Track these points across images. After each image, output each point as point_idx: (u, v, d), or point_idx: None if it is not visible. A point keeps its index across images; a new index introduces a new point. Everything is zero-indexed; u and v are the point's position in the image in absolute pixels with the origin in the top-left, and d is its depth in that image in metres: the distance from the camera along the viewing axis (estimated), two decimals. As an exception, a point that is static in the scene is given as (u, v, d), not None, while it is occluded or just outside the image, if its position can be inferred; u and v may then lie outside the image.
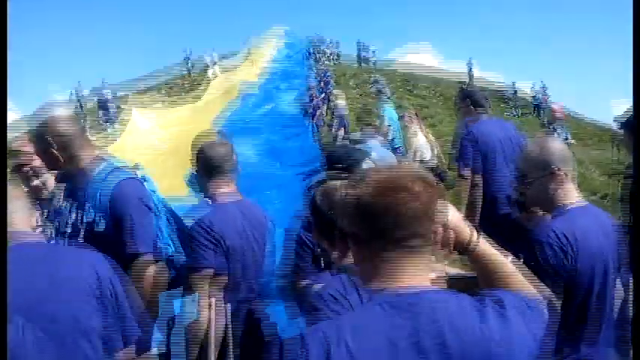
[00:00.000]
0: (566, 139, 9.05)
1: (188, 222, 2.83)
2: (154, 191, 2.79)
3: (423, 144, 6.18)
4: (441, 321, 1.13)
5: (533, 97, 26.19)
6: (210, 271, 2.70)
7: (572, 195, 2.26)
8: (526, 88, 29.04)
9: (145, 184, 2.67)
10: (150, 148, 10.62)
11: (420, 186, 1.23)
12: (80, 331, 1.76)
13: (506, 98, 30.45)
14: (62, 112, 2.46)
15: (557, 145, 2.33)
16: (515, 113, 26.54)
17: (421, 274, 1.24)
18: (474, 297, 1.23)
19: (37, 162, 2.76)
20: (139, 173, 2.68)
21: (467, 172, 4.58)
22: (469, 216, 4.78)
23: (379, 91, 8.79)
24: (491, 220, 4.56)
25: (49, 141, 2.39)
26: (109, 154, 2.70)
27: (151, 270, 2.49)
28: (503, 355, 1.12)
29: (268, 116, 12.55)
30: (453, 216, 1.37)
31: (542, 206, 2.38)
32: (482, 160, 4.56)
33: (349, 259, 1.56)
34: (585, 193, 7.53)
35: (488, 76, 38.62)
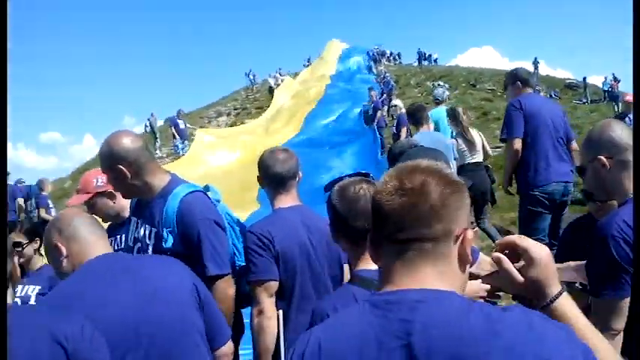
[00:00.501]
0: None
1: None
2: (218, 201, 2.78)
3: (462, 144, 6.48)
4: (415, 321, 1.03)
5: (603, 82, 25.26)
6: (273, 283, 2.59)
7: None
8: (598, 82, 28.06)
9: (209, 194, 2.65)
10: (214, 166, 11.15)
11: (431, 185, 1.12)
12: (191, 330, 1.94)
13: (574, 86, 29.49)
14: (131, 139, 2.45)
15: (615, 130, 2.10)
16: (584, 100, 25.67)
17: (434, 278, 1.11)
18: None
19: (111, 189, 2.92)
20: (210, 194, 2.68)
21: (508, 137, 4.79)
22: (505, 179, 5.03)
23: (435, 99, 9.01)
24: (528, 186, 4.75)
25: (120, 169, 2.40)
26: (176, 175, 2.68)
27: (232, 290, 2.51)
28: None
29: (330, 127, 12.85)
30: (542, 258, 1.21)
31: (597, 194, 2.24)
32: (525, 127, 4.74)
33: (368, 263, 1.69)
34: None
35: (557, 74, 37.47)
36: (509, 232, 7.61)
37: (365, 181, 1.92)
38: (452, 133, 7.54)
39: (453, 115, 6.67)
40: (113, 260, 1.94)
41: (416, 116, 6.02)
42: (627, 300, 1.89)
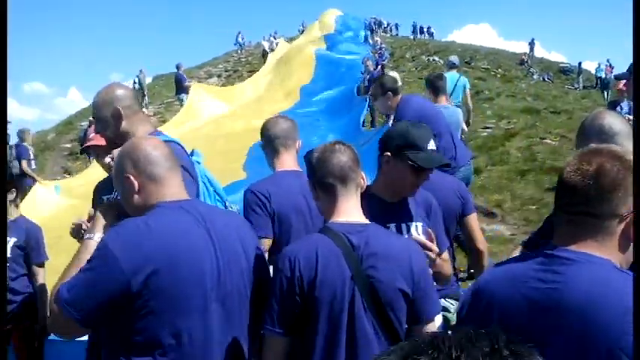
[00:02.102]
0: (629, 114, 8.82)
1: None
2: (198, 163, 2.81)
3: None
4: (565, 274, 1.28)
5: (597, 68, 25.25)
6: (268, 240, 2.65)
7: None
8: (591, 68, 28.04)
9: (192, 158, 2.68)
10: (209, 124, 11.12)
11: (605, 169, 1.25)
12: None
13: (568, 71, 29.46)
14: (119, 90, 2.55)
15: (605, 118, 2.11)
16: (577, 86, 25.68)
17: (592, 248, 1.28)
18: None
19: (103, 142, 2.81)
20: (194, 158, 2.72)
21: None
22: None
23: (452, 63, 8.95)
24: None
25: (107, 119, 2.49)
26: (162, 131, 2.71)
27: None
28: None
29: (324, 102, 12.82)
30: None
31: None
32: None
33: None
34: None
35: (551, 57, 37.36)
36: (492, 214, 7.62)
37: (340, 142, 2.03)
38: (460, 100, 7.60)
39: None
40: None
41: (435, 84, 5.84)
42: None
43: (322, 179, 1.93)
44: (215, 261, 1.81)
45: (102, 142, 2.78)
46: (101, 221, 2.00)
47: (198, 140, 9.38)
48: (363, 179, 2.02)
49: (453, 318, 2.92)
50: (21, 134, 10.42)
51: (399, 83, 10.78)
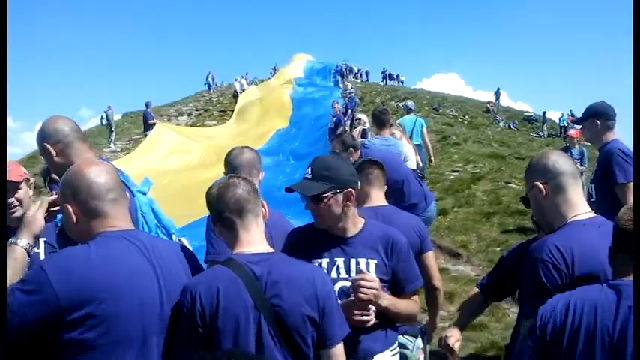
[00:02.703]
0: (580, 160, 9.11)
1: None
2: (144, 193, 2.77)
3: (409, 151, 6.57)
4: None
5: (560, 118, 26.10)
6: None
7: (576, 208, 2.09)
8: (555, 118, 29.03)
9: (140, 186, 2.73)
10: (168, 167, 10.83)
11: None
12: None
13: (533, 119, 30.34)
14: (60, 121, 2.59)
15: (549, 158, 2.16)
16: (541, 134, 26.40)
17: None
18: None
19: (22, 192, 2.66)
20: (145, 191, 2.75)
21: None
22: None
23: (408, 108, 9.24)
24: None
25: (48, 149, 2.53)
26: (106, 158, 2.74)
27: None
28: None
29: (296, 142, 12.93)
30: None
31: (542, 221, 2.24)
32: None
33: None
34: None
35: (517, 106, 38.60)
36: (458, 255, 7.59)
37: (236, 176, 2.10)
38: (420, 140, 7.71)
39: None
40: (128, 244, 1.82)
41: (380, 118, 5.93)
42: None
43: (220, 215, 1.96)
44: (158, 293, 1.77)
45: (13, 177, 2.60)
46: (30, 228, 1.93)
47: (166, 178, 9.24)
48: (265, 208, 2.08)
49: (411, 355, 2.84)
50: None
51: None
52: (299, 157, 11.98)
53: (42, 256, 2.30)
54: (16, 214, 2.46)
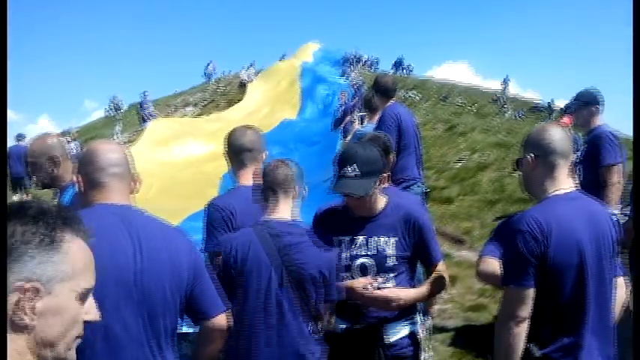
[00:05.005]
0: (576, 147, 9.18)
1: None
2: None
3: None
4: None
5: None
6: None
7: (558, 184, 2.19)
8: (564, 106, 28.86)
9: None
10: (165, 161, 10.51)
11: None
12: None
13: (540, 108, 30.24)
14: (51, 140, 2.97)
15: (548, 132, 2.22)
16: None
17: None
18: None
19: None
20: None
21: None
22: None
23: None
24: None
25: (42, 166, 2.90)
26: None
27: None
28: None
29: (300, 134, 12.91)
30: None
31: (528, 191, 2.34)
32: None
33: None
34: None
35: (527, 94, 38.43)
36: (461, 241, 7.75)
37: (281, 161, 2.51)
38: None
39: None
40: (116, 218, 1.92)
41: (372, 104, 5.89)
42: (532, 290, 2.06)
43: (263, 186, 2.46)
44: (132, 267, 1.83)
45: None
46: None
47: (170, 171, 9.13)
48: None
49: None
50: (-17, 158, 10.05)
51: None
52: (307, 143, 11.86)
53: None
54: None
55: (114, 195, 1.97)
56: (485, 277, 2.49)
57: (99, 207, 1.94)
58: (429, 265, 2.63)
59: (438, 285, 2.64)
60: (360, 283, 2.44)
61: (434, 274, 2.61)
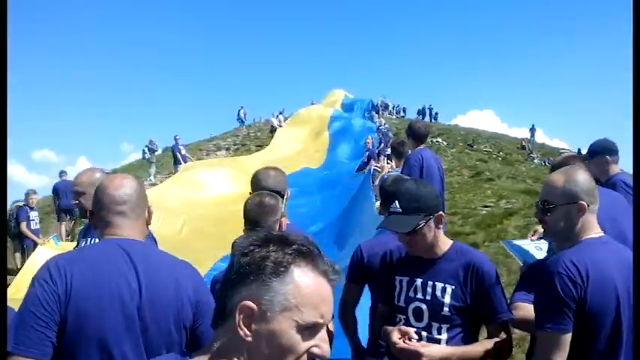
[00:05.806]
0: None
1: None
2: None
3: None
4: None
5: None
6: None
7: (591, 227, 2.19)
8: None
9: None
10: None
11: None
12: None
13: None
14: (96, 174, 3.05)
15: (582, 176, 2.22)
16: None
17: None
18: None
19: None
20: None
21: None
22: None
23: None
24: None
25: (86, 193, 2.90)
26: None
27: None
28: None
29: (326, 179, 12.88)
30: None
31: (560, 236, 2.25)
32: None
33: None
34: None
35: (553, 143, 38.36)
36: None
37: (266, 194, 2.69)
38: None
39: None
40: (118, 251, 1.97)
41: (398, 150, 6.13)
42: (569, 335, 2.01)
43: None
44: (136, 298, 1.84)
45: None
46: None
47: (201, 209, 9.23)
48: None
49: None
50: (26, 195, 10.59)
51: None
52: (328, 186, 11.71)
53: None
54: None
55: (122, 231, 2.02)
56: (520, 323, 2.41)
57: (106, 242, 2.00)
58: (490, 321, 2.38)
59: (499, 348, 2.33)
60: (396, 332, 2.28)
61: (495, 335, 2.37)
